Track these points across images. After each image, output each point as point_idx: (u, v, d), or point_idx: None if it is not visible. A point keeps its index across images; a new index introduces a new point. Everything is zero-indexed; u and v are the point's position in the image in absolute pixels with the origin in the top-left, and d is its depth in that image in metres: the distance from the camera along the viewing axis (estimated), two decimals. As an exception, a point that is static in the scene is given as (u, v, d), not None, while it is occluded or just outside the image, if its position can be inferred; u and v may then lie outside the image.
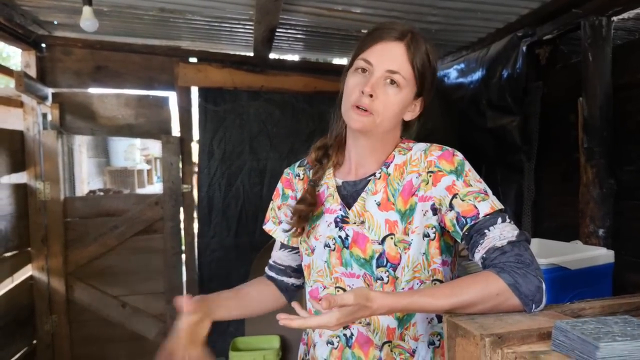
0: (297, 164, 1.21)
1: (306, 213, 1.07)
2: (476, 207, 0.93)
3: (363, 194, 1.05)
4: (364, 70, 1.00)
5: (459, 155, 1.00)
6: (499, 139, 2.62)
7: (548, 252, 1.50)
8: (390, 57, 0.98)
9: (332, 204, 1.08)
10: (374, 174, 1.06)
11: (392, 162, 1.05)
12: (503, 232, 0.91)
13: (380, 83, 0.98)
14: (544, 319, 0.80)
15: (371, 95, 0.97)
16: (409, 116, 1.06)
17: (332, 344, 1.06)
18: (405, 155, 1.05)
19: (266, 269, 1.25)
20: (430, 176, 0.99)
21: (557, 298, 1.40)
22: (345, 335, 1.04)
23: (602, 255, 1.63)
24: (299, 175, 1.18)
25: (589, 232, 2.02)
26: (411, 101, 1.03)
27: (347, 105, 1.00)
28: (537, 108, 2.48)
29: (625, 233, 1.99)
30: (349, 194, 1.08)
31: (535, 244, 1.87)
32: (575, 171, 2.13)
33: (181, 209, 3.06)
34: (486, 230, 0.91)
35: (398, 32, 0.99)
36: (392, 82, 0.98)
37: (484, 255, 0.91)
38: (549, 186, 2.49)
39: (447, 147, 1.02)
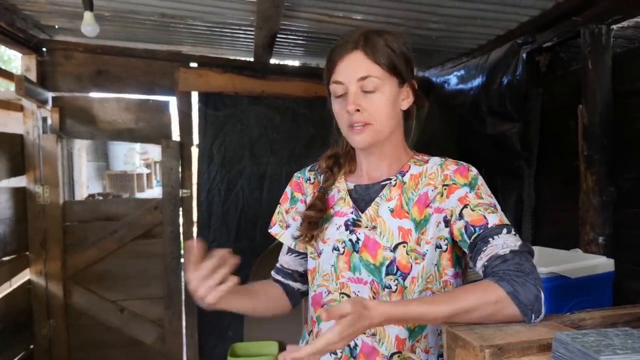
0: (308, 168, 1.20)
1: (316, 219, 1.07)
2: (485, 218, 0.95)
3: (377, 199, 1.05)
4: (340, 93, 1.02)
5: (474, 171, 1.03)
6: (499, 146, 2.62)
7: (548, 261, 1.50)
8: (354, 68, 1.00)
9: (343, 207, 1.08)
10: (389, 180, 1.06)
11: (407, 171, 1.07)
12: (506, 242, 0.91)
13: (359, 94, 1.00)
14: (544, 330, 0.79)
15: (358, 110, 0.99)
16: (405, 104, 1.07)
17: (336, 354, 1.05)
18: (422, 167, 1.07)
19: (273, 272, 1.24)
20: (445, 189, 1.01)
21: (557, 307, 1.39)
22: (349, 346, 1.03)
23: (602, 263, 1.62)
24: (309, 180, 1.17)
25: (589, 239, 2.02)
26: (398, 91, 1.04)
27: (344, 129, 1.04)
28: (537, 115, 2.49)
29: (626, 241, 1.99)
30: (361, 198, 1.08)
31: (535, 252, 1.85)
32: (575, 178, 2.13)
33: (180, 214, 3.05)
34: (490, 239, 0.92)
35: (351, 42, 1.01)
36: (367, 90, 1.00)
37: (486, 263, 0.91)
38: (548, 193, 2.49)
39: (462, 162, 1.05)
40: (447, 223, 1.00)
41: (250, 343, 3.09)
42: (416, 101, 1.10)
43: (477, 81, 2.77)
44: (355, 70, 1.00)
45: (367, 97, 1.00)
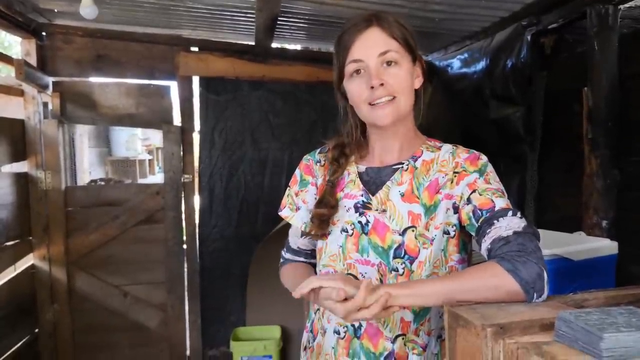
0: (318, 150, 1.20)
1: (328, 217, 1.07)
2: (493, 201, 0.96)
3: (388, 183, 1.05)
4: (358, 71, 1.02)
5: (484, 159, 1.04)
6: (502, 130, 2.60)
7: (550, 243, 1.49)
8: (373, 43, 1.00)
9: (353, 190, 1.08)
10: (401, 164, 1.06)
11: (420, 156, 1.07)
12: (510, 224, 0.91)
13: (381, 69, 1.00)
14: (546, 310, 0.79)
15: (382, 84, 0.99)
16: (417, 83, 1.07)
17: (339, 333, 1.05)
18: (434, 153, 1.07)
19: (290, 254, 1.24)
20: (455, 176, 1.02)
21: (559, 289, 1.38)
22: (353, 325, 1.03)
23: (606, 246, 1.61)
24: (319, 162, 1.17)
25: (593, 223, 2.01)
26: (413, 68, 1.05)
27: (363, 107, 1.03)
28: (541, 98, 2.46)
29: (629, 225, 1.98)
30: (372, 180, 1.08)
31: (538, 235, 1.85)
32: (578, 162, 2.11)
33: (182, 199, 3.05)
34: (495, 221, 0.93)
35: (363, 21, 1.02)
36: (389, 62, 1.00)
37: (489, 246, 0.91)
38: (552, 177, 2.47)
39: (473, 150, 1.06)
40: (456, 209, 1.01)
41: (252, 327, 3.11)
42: (423, 82, 1.10)
43: (481, 64, 2.74)
44: (374, 45, 1.00)
45: (389, 72, 1.00)
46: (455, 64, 3.02)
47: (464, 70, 2.92)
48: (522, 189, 2.55)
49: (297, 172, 1.20)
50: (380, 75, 0.99)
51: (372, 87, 0.98)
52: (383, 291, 0.83)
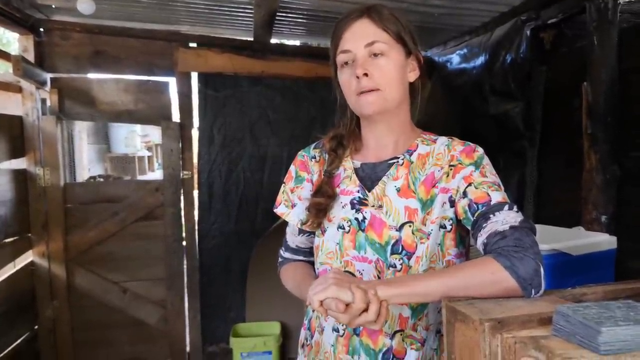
0: (313, 146, 1.19)
1: (325, 206, 1.06)
2: (489, 195, 0.95)
3: (384, 178, 1.04)
4: (347, 62, 1.02)
5: (480, 151, 1.03)
6: (501, 125, 2.60)
7: (550, 238, 1.49)
8: (361, 34, 1.00)
9: (349, 186, 1.07)
10: (396, 159, 1.05)
11: (415, 150, 1.06)
12: (507, 218, 0.90)
13: (367, 60, 0.99)
14: (544, 304, 0.78)
15: (366, 75, 0.98)
16: (412, 76, 1.06)
17: (338, 331, 1.04)
18: (430, 146, 1.06)
19: (289, 254, 1.22)
20: (451, 169, 1.01)
21: (558, 284, 1.38)
22: None
23: (605, 241, 1.61)
24: (315, 158, 1.16)
25: (592, 218, 2.01)
26: (405, 61, 1.04)
27: (352, 97, 1.02)
28: (540, 93, 2.45)
29: (629, 219, 1.98)
30: (367, 176, 1.07)
31: (537, 230, 1.84)
32: (578, 157, 2.11)
33: (181, 196, 3.04)
34: (491, 215, 0.92)
35: (356, 12, 1.02)
36: (377, 54, 1.00)
37: (485, 240, 0.90)
38: (551, 172, 2.47)
39: (468, 143, 1.05)
40: (452, 203, 1.00)
41: (252, 323, 3.12)
42: (421, 77, 1.08)
43: (480, 60, 2.73)
44: (362, 37, 1.00)
45: (375, 63, 0.99)
46: (455, 59, 3.01)
47: (463, 65, 2.91)
48: (522, 184, 2.55)
49: (292, 168, 1.18)
50: (365, 66, 0.98)
51: (358, 77, 0.98)
52: (372, 294, 0.81)
